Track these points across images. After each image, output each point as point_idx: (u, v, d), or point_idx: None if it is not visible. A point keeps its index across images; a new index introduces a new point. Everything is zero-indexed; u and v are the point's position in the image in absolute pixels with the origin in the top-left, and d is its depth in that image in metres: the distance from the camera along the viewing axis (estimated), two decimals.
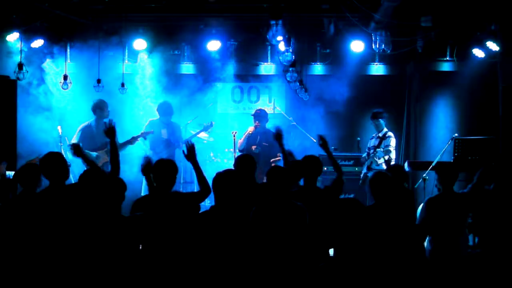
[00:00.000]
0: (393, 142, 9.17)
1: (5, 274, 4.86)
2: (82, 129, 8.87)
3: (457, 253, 5.48)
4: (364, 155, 9.43)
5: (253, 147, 9.26)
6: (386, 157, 8.92)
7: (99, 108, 8.90)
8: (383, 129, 9.26)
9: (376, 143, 9.19)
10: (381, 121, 9.26)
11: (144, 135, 8.99)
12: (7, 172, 7.22)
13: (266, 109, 10.09)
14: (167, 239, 5.05)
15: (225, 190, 4.72)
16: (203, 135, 10.35)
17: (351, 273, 3.27)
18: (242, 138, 9.43)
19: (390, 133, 9.26)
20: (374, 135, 9.41)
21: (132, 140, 8.85)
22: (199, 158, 10.85)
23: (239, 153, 9.22)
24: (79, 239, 4.54)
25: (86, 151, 8.70)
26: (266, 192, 5.65)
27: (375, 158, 8.88)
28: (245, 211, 5.38)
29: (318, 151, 10.17)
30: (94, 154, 8.73)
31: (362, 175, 9.16)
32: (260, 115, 9.39)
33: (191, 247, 4.65)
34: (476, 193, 5.74)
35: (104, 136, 8.66)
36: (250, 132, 9.34)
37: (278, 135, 6.25)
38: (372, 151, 9.14)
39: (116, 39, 10.17)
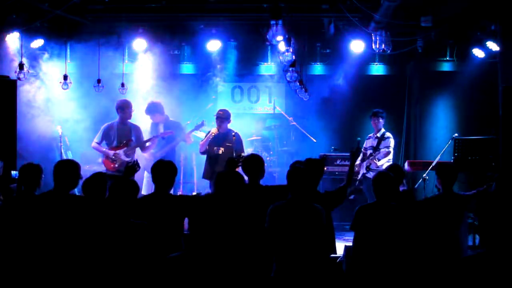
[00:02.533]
0: (392, 142, 9.13)
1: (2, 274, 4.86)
2: (104, 128, 8.89)
3: (457, 254, 5.49)
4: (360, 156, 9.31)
5: (221, 150, 8.85)
6: (387, 159, 8.89)
7: (120, 108, 8.90)
8: (381, 129, 9.23)
9: (375, 143, 9.15)
10: (382, 120, 9.23)
11: (163, 135, 9.03)
12: (12, 172, 7.23)
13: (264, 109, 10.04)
14: (164, 241, 5.04)
15: (225, 190, 4.74)
16: (202, 135, 10.34)
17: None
18: (204, 140, 8.96)
19: (388, 134, 9.21)
20: (371, 135, 9.35)
21: (152, 139, 8.94)
22: (201, 157, 10.80)
23: (202, 154, 9.07)
24: (78, 243, 4.52)
25: (105, 149, 8.76)
26: (269, 194, 5.68)
27: (375, 160, 8.85)
28: (248, 211, 5.41)
29: (317, 152, 10.22)
30: (111, 153, 8.74)
31: (360, 176, 9.10)
32: (224, 116, 9.00)
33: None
34: (479, 195, 5.77)
35: (125, 136, 8.77)
36: (214, 134, 8.90)
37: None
38: (370, 151, 9.10)
39: (116, 39, 10.17)
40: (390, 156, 9.03)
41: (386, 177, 5.37)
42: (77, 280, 4.36)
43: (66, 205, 5.01)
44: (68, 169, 5.18)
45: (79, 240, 4.41)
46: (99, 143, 8.82)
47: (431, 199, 5.83)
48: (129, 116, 8.93)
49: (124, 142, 8.79)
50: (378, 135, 9.19)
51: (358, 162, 9.27)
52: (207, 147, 8.94)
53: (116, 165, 8.66)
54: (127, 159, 8.68)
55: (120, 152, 8.72)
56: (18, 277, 4.81)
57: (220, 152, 8.83)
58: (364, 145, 9.35)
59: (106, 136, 8.83)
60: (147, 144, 8.93)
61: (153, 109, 9.37)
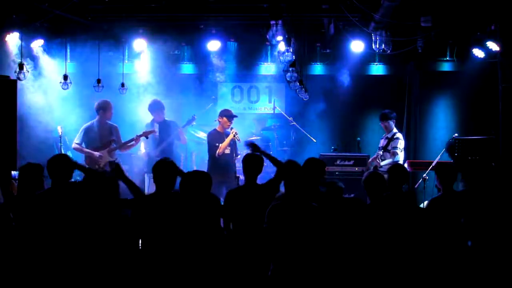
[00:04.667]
0: (401, 144, 9.08)
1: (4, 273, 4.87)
2: (84, 129, 8.94)
3: (458, 253, 5.48)
4: (375, 155, 9.32)
5: (228, 149, 8.90)
6: (393, 160, 8.87)
7: (103, 108, 8.94)
8: (392, 129, 9.24)
9: (384, 143, 9.16)
10: (390, 122, 9.24)
11: (146, 134, 9.04)
12: (12, 172, 7.25)
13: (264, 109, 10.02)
14: (168, 239, 5.04)
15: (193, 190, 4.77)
16: (202, 135, 10.36)
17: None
18: (226, 144, 8.86)
19: (398, 135, 9.21)
20: (384, 135, 9.38)
21: (135, 139, 8.95)
22: (201, 157, 10.84)
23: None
24: (77, 238, 4.53)
25: (89, 150, 8.78)
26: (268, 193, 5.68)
27: (378, 160, 8.86)
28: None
29: (317, 152, 10.22)
30: (97, 154, 8.78)
31: None
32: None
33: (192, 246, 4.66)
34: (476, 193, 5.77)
35: (106, 136, 8.81)
36: (236, 138, 8.90)
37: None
38: (381, 151, 9.13)
39: (116, 39, 10.18)
40: (399, 157, 9.00)
41: (376, 177, 5.40)
42: (77, 278, 4.37)
43: (68, 199, 5.02)
44: (61, 163, 5.19)
45: (78, 236, 4.43)
46: (79, 144, 8.87)
47: (433, 201, 5.81)
48: (110, 117, 8.97)
49: (107, 142, 8.84)
50: (389, 135, 9.20)
51: (370, 160, 9.30)
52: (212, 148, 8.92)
53: (101, 165, 8.71)
54: (111, 159, 8.77)
55: (105, 152, 8.79)
56: (19, 277, 4.82)
57: (227, 151, 8.87)
58: (378, 145, 9.40)
59: (86, 137, 8.88)
60: (131, 143, 8.96)
61: (160, 106, 9.39)
